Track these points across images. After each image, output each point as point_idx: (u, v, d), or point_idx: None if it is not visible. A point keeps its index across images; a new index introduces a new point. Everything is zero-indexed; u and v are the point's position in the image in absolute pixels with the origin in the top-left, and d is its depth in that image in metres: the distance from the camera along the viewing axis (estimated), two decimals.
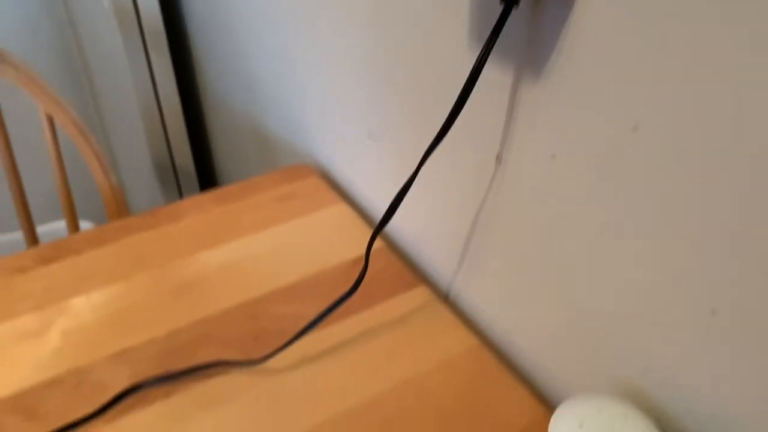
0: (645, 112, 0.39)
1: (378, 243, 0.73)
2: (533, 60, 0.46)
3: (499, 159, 0.52)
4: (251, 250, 0.72)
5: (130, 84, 1.22)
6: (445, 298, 0.69)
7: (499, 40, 0.48)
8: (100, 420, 0.55)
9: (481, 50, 0.45)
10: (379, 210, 0.78)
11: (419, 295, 0.66)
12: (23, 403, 0.56)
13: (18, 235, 1.37)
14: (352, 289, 0.54)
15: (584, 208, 0.46)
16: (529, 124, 0.48)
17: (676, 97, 0.37)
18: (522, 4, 0.45)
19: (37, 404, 0.56)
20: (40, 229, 0.98)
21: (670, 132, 0.38)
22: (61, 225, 1.41)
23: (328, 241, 0.74)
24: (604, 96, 0.41)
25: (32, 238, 0.97)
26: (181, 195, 1.37)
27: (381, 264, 0.70)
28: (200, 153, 1.38)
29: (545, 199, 0.50)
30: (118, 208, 0.85)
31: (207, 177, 1.42)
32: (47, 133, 0.85)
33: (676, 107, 0.37)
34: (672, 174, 0.39)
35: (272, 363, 0.59)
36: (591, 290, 0.48)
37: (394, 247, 0.77)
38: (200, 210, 0.79)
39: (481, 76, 0.49)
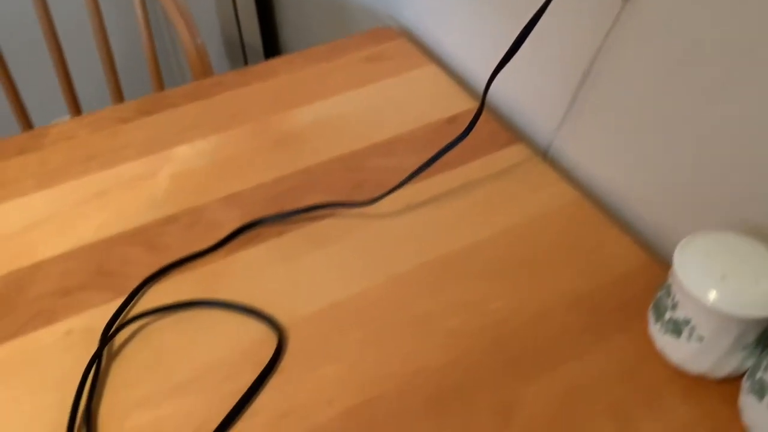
0: None
1: (472, 103, 0.73)
2: None
3: None
4: (345, 108, 0.73)
5: None
6: (543, 155, 0.69)
7: None
8: (218, 253, 0.57)
9: None
10: (473, 69, 0.77)
11: (517, 151, 0.66)
12: (143, 236, 0.59)
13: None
14: (466, 130, 0.54)
15: (723, 39, 0.44)
16: None
17: None
18: None
19: (156, 238, 0.59)
20: None
21: None
22: None
23: (421, 100, 0.73)
24: None
25: None
26: None
27: (477, 123, 0.70)
28: (266, 28, 1.36)
29: (676, 36, 0.48)
30: (204, 68, 0.85)
31: (273, 54, 1.40)
32: None
33: None
34: None
35: (378, 208, 0.61)
36: (716, 133, 0.47)
37: (489, 108, 0.76)
38: (290, 69, 0.78)
39: None
